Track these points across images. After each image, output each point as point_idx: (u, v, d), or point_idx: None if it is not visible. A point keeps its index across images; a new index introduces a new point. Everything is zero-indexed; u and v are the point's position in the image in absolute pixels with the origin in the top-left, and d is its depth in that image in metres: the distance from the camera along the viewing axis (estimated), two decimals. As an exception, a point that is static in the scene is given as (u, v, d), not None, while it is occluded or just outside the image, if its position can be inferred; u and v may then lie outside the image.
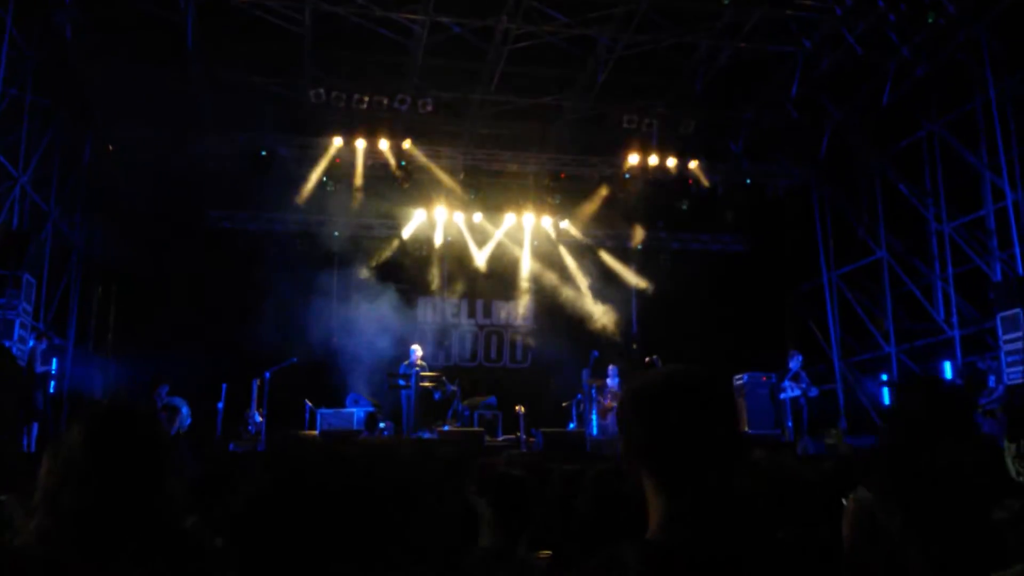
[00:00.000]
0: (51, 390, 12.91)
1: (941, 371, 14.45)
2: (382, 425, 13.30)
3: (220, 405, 13.08)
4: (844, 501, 2.87)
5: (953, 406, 2.75)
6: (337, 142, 16.12)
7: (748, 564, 1.50)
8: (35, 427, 11.72)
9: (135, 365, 14.31)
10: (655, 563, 1.49)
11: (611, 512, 2.56)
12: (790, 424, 14.15)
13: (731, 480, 1.59)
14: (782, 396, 14.45)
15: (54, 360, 13.19)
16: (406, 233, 17.96)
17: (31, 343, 12.22)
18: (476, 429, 13.84)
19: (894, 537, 2.10)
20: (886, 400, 15.71)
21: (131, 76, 13.99)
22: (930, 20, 13.05)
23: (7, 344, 11.30)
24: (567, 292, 18.41)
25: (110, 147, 15.80)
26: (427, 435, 13.19)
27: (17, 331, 11.97)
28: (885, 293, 16.19)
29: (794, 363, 14.43)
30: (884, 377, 16.13)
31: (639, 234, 18.76)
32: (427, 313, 18.59)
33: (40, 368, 12.14)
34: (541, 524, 3.18)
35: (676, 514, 1.56)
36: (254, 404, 13.39)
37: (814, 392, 14.21)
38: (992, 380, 12.39)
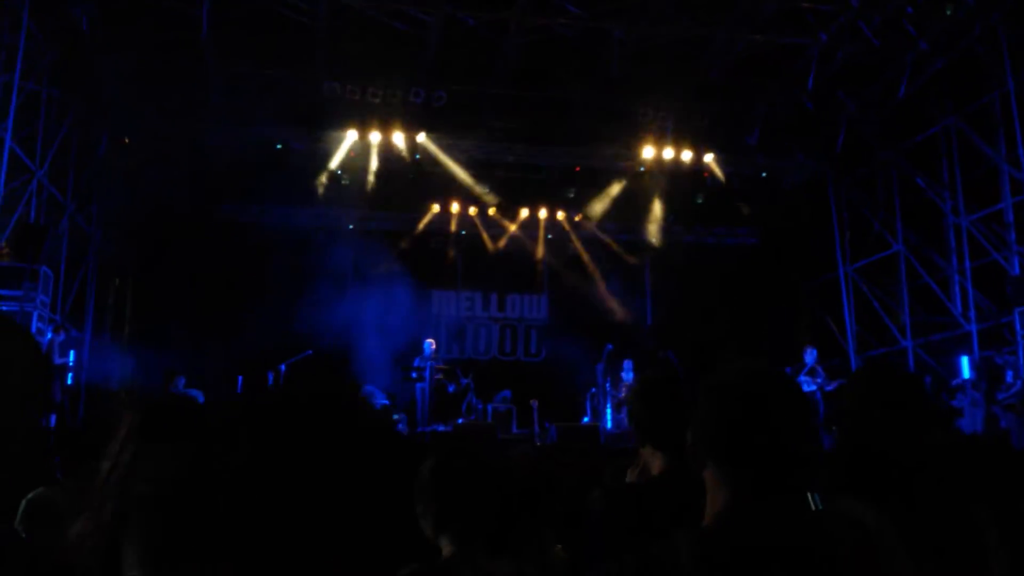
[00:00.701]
0: (68, 382, 13.02)
1: (958, 366, 14.37)
2: (396, 417, 13.35)
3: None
4: (809, 497, 2.82)
5: (900, 393, 2.67)
6: (351, 135, 16.11)
7: (802, 555, 1.51)
8: (52, 419, 11.81)
9: (152, 357, 14.37)
10: (708, 551, 1.50)
11: (625, 507, 2.56)
12: (805, 419, 14.08)
13: (795, 476, 1.61)
14: (797, 390, 14.38)
15: (71, 352, 13.30)
16: (420, 226, 17.98)
17: (49, 335, 12.32)
18: (490, 423, 13.86)
19: (873, 535, 2.08)
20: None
21: (146, 69, 14.04)
22: (948, 12, 12.95)
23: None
24: (581, 285, 18.41)
25: (126, 140, 15.87)
26: (441, 428, 13.23)
27: (35, 323, 12.08)
28: (901, 287, 16.10)
29: (809, 357, 14.37)
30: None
31: (654, 227, 18.70)
32: (442, 306, 18.61)
33: (58, 360, 12.24)
34: (557, 519, 3.19)
35: (736, 506, 1.59)
36: (269, 397, 13.44)
37: (830, 387, 14.15)
38: (1010, 375, 12.31)
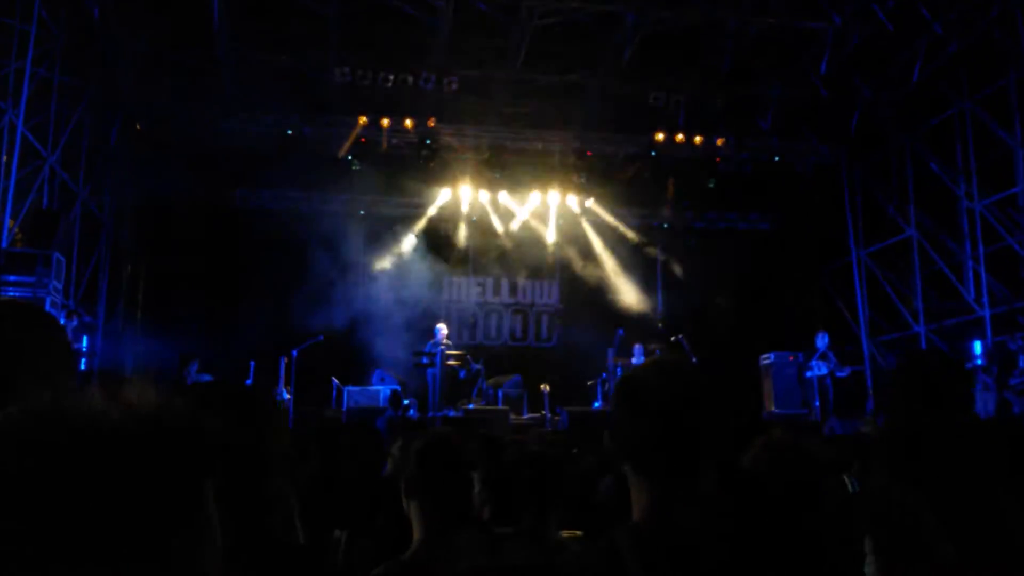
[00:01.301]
0: (81, 367, 13.09)
1: (971, 351, 14.30)
2: (407, 402, 13.39)
3: (248, 383, 13.19)
4: (847, 480, 2.81)
5: (952, 377, 2.67)
6: (362, 121, 16.11)
7: (724, 553, 1.48)
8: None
9: (164, 342, 14.43)
10: (648, 548, 1.48)
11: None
12: (817, 404, 14.08)
13: (713, 472, 1.56)
14: (808, 375, 14.38)
15: (84, 338, 13.36)
16: (432, 212, 17.97)
17: (61, 321, 12.38)
18: (501, 408, 13.89)
19: (911, 518, 2.07)
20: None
21: (158, 56, 14.06)
22: (964, -6, 12.84)
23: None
24: (593, 271, 18.39)
25: (138, 126, 15.91)
26: (452, 413, 13.27)
27: (47, 309, 12.13)
28: (915, 272, 16.01)
29: (821, 342, 14.33)
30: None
31: (666, 213, 18.65)
32: (453, 292, 18.61)
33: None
34: (569, 504, 3.18)
35: (656, 510, 1.55)
36: (281, 382, 13.50)
37: (841, 372, 14.12)
38: (1022, 360, 12.24)
